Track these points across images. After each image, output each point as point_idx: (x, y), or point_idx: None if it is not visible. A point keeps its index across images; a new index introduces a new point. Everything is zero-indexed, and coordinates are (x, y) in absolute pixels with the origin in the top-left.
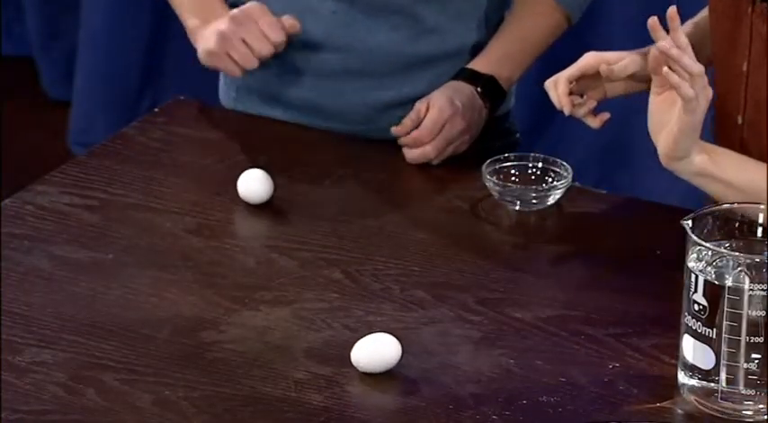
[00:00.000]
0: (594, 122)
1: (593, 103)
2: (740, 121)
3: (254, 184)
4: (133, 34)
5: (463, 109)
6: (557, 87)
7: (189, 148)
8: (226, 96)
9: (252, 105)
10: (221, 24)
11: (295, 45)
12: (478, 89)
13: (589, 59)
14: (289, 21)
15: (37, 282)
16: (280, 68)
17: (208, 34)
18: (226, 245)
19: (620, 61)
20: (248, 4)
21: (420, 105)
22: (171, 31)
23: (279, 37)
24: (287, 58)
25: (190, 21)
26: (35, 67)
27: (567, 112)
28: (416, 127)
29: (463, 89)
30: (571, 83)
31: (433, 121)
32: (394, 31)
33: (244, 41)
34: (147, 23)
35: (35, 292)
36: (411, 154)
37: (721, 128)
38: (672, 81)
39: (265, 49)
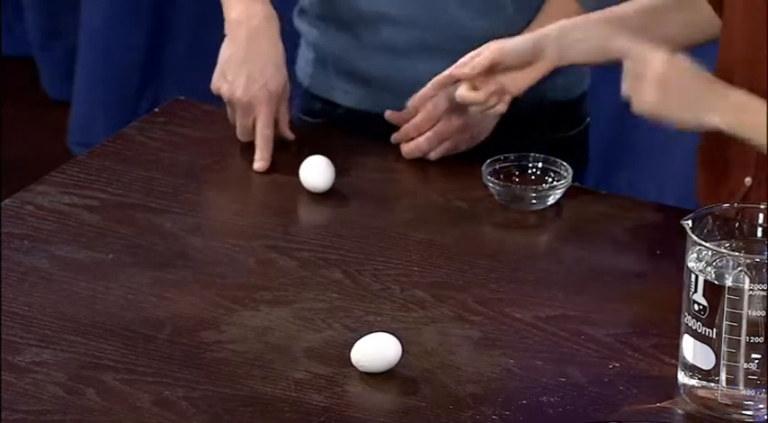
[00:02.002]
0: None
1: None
2: None
3: (316, 171)
4: (133, 34)
5: (463, 106)
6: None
7: (189, 148)
8: (302, 72)
9: (327, 80)
10: (225, 71)
11: (370, 21)
12: None
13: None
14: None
15: (37, 282)
16: (355, 44)
17: (221, 60)
18: (226, 245)
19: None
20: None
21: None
22: (171, 31)
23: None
24: (361, 34)
25: (229, 10)
26: (35, 67)
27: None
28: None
29: None
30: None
31: (427, 114)
32: (465, 8)
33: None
34: (147, 23)
35: (35, 292)
36: (405, 147)
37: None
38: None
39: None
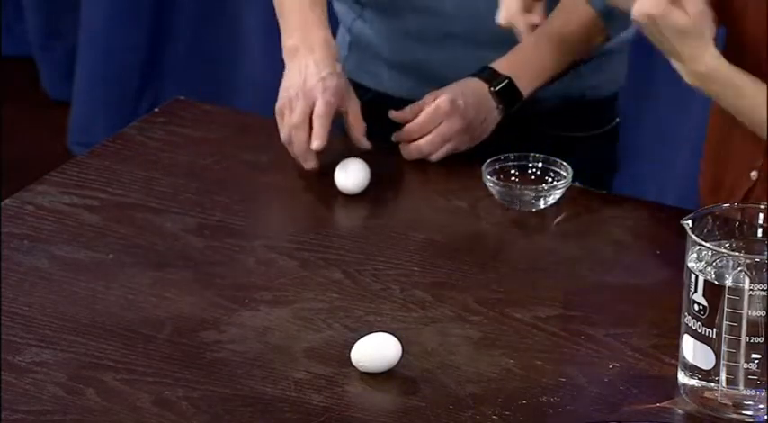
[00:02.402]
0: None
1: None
2: None
3: (351, 173)
4: (133, 34)
5: (465, 108)
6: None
7: (189, 148)
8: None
9: (360, 63)
10: (286, 92)
11: (404, 8)
12: (492, 89)
13: None
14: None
15: (37, 282)
16: (388, 29)
17: (282, 88)
18: (226, 245)
19: None
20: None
21: (428, 98)
22: (171, 31)
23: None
24: (395, 20)
25: (287, 39)
26: (35, 67)
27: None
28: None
29: (476, 88)
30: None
31: (428, 116)
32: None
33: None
34: (147, 23)
35: (35, 292)
36: (405, 149)
37: (730, 129)
38: None
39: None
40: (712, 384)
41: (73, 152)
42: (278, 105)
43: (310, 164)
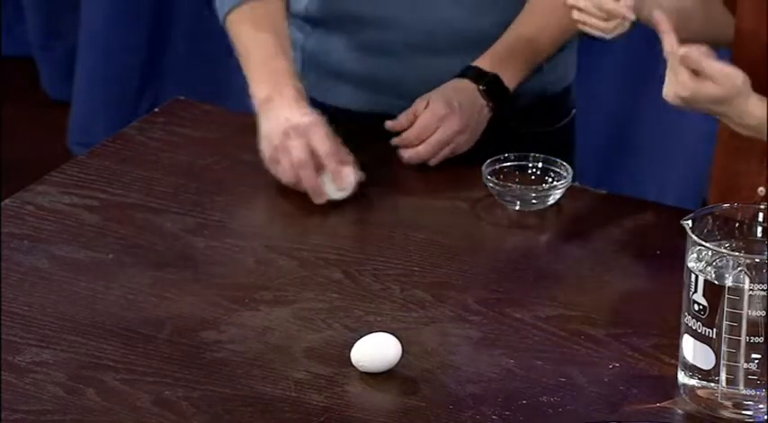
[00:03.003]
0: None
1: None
2: None
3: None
4: (133, 34)
5: (461, 109)
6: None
7: (189, 148)
8: None
9: (317, 81)
10: (274, 138)
11: (357, 23)
12: (481, 87)
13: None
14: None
15: (37, 282)
16: (342, 45)
17: (264, 137)
18: (226, 245)
19: None
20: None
21: (419, 103)
22: (171, 32)
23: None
24: (350, 36)
25: (258, 90)
26: (35, 67)
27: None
28: (412, 125)
29: (465, 88)
30: None
31: (425, 122)
32: (458, 7)
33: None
34: (147, 23)
35: (35, 292)
36: (405, 154)
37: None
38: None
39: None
40: (712, 384)
41: (73, 152)
42: (268, 154)
43: (323, 198)
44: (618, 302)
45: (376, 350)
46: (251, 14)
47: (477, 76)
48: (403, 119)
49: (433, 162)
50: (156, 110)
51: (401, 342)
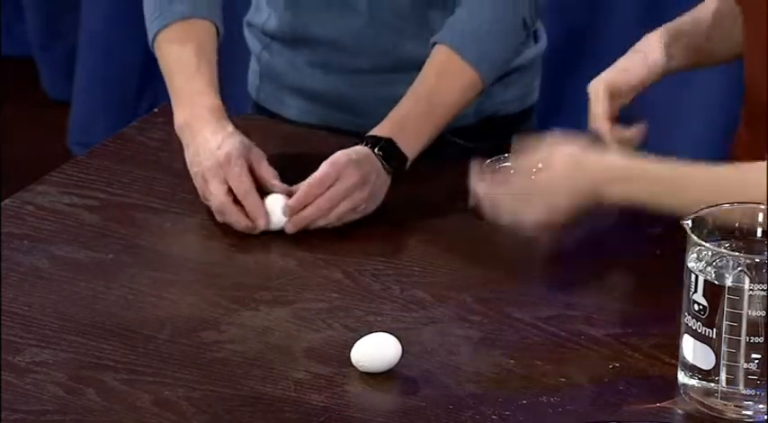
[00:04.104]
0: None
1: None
2: None
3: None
4: (133, 34)
5: (358, 160)
6: (604, 131)
7: None
8: (251, 84)
9: (274, 93)
10: (196, 172)
11: (310, 42)
12: (376, 150)
13: (600, 86)
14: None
15: (37, 282)
16: (298, 62)
17: (189, 163)
18: (226, 245)
19: (628, 85)
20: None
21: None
22: None
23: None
24: (305, 54)
25: (177, 116)
26: (35, 67)
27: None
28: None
29: (359, 150)
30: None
31: (320, 175)
32: (398, 34)
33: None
34: None
35: (35, 292)
36: (303, 214)
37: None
38: None
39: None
40: (712, 384)
41: (73, 152)
42: (198, 188)
43: (260, 228)
44: (618, 302)
45: (376, 350)
46: (179, 34)
47: (371, 141)
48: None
49: (335, 221)
50: (156, 110)
51: (401, 342)
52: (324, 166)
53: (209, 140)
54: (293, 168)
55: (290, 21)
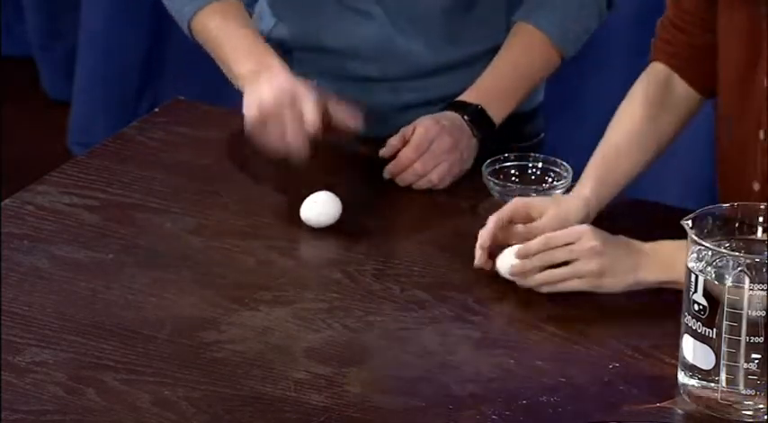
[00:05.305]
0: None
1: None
2: (762, 136)
3: (319, 207)
4: (133, 34)
5: (450, 127)
6: (485, 230)
7: (189, 148)
8: None
9: None
10: (266, 98)
11: (321, 51)
12: (465, 117)
13: (517, 205)
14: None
15: (37, 282)
16: (305, 68)
17: (251, 101)
18: (226, 245)
19: (540, 219)
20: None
21: (406, 128)
22: (171, 32)
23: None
24: (312, 61)
25: (241, 66)
26: (35, 67)
27: (477, 263)
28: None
29: (449, 115)
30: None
31: (418, 139)
32: (417, 42)
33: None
34: (147, 24)
35: (35, 292)
36: (402, 177)
37: (736, 148)
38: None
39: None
40: (712, 384)
41: (73, 152)
42: (257, 114)
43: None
44: (618, 302)
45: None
46: (219, 9)
47: (461, 107)
48: (393, 142)
49: (435, 179)
50: (156, 110)
51: (401, 343)
52: (417, 133)
53: (286, 78)
54: (298, 173)
55: (301, 29)
